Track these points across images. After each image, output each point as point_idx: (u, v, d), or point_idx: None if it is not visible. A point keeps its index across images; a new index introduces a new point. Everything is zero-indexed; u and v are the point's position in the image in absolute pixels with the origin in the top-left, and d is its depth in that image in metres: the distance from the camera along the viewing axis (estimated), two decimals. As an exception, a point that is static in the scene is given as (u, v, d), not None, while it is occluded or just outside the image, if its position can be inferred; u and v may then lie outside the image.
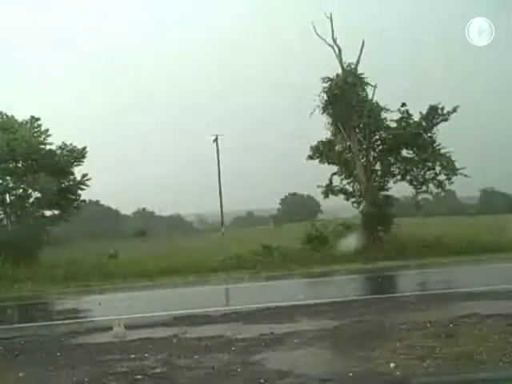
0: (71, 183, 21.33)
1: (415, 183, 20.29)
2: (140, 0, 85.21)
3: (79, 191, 21.51)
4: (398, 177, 20.41)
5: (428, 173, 20.17)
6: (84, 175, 21.39)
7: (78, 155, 21.27)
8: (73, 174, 21.39)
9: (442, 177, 19.97)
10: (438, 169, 19.99)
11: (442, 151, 19.86)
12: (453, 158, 19.70)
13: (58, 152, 21.17)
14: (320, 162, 20.68)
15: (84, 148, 21.48)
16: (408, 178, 20.33)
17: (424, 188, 20.31)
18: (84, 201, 22.54)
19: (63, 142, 21.32)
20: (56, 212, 21.56)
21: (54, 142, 21.44)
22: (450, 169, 19.64)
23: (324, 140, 20.65)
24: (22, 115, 21.41)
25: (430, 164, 20.04)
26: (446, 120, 19.79)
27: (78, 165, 21.35)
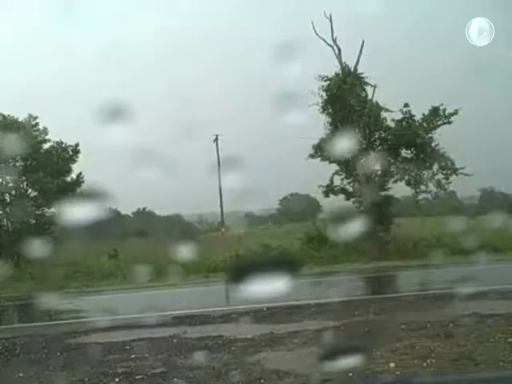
0: (70, 182, 21.36)
1: (413, 183, 20.22)
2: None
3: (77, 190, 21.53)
4: (397, 176, 20.35)
5: (425, 172, 20.11)
6: (79, 174, 21.44)
7: (72, 152, 21.36)
8: (70, 172, 21.47)
9: (439, 176, 19.93)
10: (435, 168, 19.94)
11: (441, 151, 19.83)
12: (452, 158, 19.68)
13: (55, 152, 21.25)
14: (322, 160, 20.54)
15: (77, 145, 21.48)
16: (406, 177, 20.26)
17: (423, 188, 20.24)
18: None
19: (60, 140, 21.42)
20: (56, 211, 21.57)
21: (51, 139, 21.56)
22: (449, 168, 19.60)
23: (325, 137, 20.54)
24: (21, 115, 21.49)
25: (427, 164, 19.98)
26: (449, 123, 19.72)
27: (73, 162, 21.42)
